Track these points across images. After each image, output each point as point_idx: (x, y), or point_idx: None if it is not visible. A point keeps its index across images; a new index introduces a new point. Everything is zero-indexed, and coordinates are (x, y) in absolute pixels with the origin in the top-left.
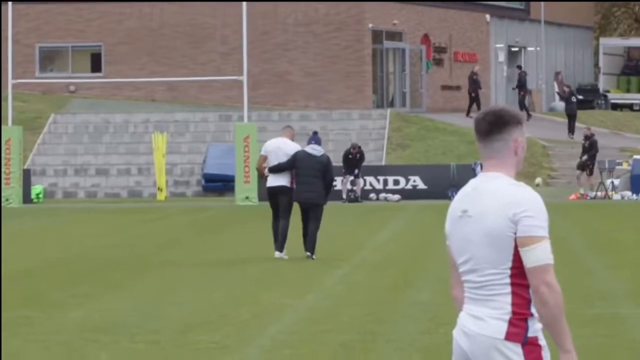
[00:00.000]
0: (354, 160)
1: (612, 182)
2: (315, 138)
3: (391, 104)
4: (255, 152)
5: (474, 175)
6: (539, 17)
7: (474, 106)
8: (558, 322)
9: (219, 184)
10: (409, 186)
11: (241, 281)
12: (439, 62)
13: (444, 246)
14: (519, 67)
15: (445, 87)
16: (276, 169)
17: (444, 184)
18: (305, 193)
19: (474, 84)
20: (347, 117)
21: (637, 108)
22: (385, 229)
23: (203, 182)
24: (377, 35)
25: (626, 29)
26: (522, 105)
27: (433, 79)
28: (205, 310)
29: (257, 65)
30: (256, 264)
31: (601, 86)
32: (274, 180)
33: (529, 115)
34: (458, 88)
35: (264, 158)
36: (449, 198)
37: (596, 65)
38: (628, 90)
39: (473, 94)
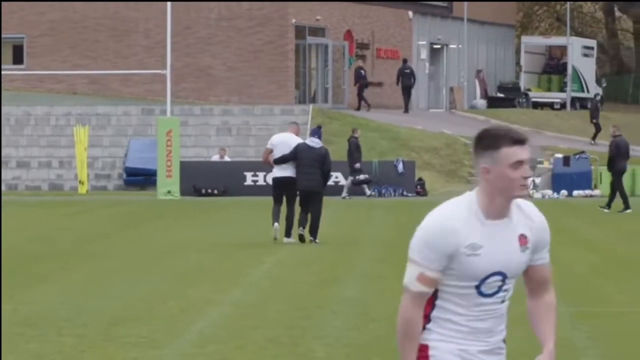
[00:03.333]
0: (360, 148)
1: (533, 181)
2: (317, 132)
3: (313, 100)
4: (177, 147)
5: (396, 171)
6: (462, 14)
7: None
8: (399, 347)
9: (140, 178)
10: (330, 182)
11: (166, 275)
12: (361, 59)
13: (371, 242)
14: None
15: (367, 84)
16: (281, 161)
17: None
18: (305, 182)
19: (359, 79)
20: (269, 113)
21: (557, 107)
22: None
23: (124, 175)
24: (300, 31)
25: (548, 27)
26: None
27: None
28: (132, 304)
29: (179, 59)
30: (180, 258)
31: (522, 84)
32: (280, 172)
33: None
34: (380, 84)
35: (270, 151)
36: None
37: (518, 63)
38: (549, 89)
39: (358, 88)
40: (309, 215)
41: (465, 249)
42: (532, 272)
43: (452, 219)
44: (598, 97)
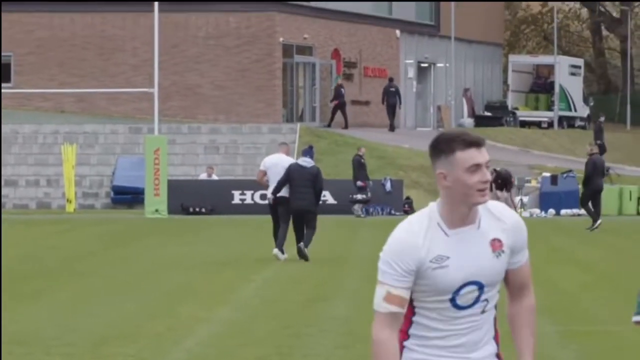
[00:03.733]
0: (365, 166)
1: (521, 200)
2: (309, 152)
3: (301, 118)
4: (165, 165)
5: (384, 190)
6: (449, 33)
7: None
8: None
9: (128, 196)
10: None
11: (154, 294)
12: (348, 77)
13: (360, 261)
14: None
15: (355, 102)
16: (279, 187)
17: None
18: (298, 201)
19: (338, 97)
20: (257, 131)
21: (545, 126)
22: (294, 244)
23: (112, 194)
24: (287, 49)
25: (535, 46)
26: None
27: None
28: (120, 323)
29: (167, 77)
30: (168, 276)
31: (510, 103)
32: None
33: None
34: (367, 103)
35: (264, 173)
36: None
37: (505, 82)
38: (536, 108)
39: (334, 106)
40: (305, 232)
41: (430, 263)
42: (511, 276)
43: (413, 233)
44: (602, 119)
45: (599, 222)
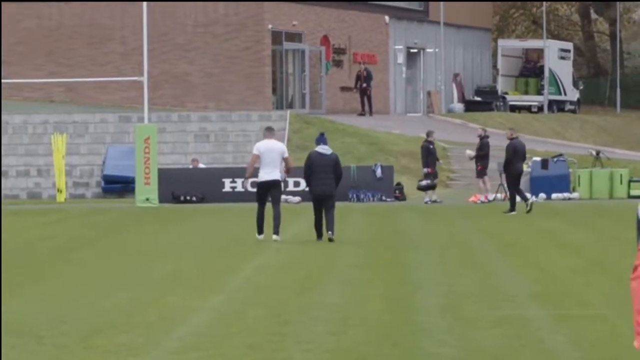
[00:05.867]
0: (434, 152)
1: None
2: (322, 139)
3: (290, 105)
4: (155, 154)
5: (375, 176)
6: (438, 18)
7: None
8: None
9: (118, 186)
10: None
11: (145, 283)
12: (338, 64)
13: (350, 247)
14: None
15: (344, 89)
16: (307, 179)
17: (345, 185)
18: (319, 187)
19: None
20: (246, 119)
21: (535, 110)
22: (287, 231)
23: (103, 183)
24: (276, 36)
25: (524, 30)
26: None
27: (332, 80)
28: (112, 312)
29: (156, 66)
30: (159, 265)
31: (500, 88)
32: (267, 175)
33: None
34: (356, 89)
35: (257, 157)
36: (350, 200)
37: (494, 66)
38: (526, 92)
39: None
40: (326, 216)
41: None
42: None
43: None
44: None
45: (530, 201)
